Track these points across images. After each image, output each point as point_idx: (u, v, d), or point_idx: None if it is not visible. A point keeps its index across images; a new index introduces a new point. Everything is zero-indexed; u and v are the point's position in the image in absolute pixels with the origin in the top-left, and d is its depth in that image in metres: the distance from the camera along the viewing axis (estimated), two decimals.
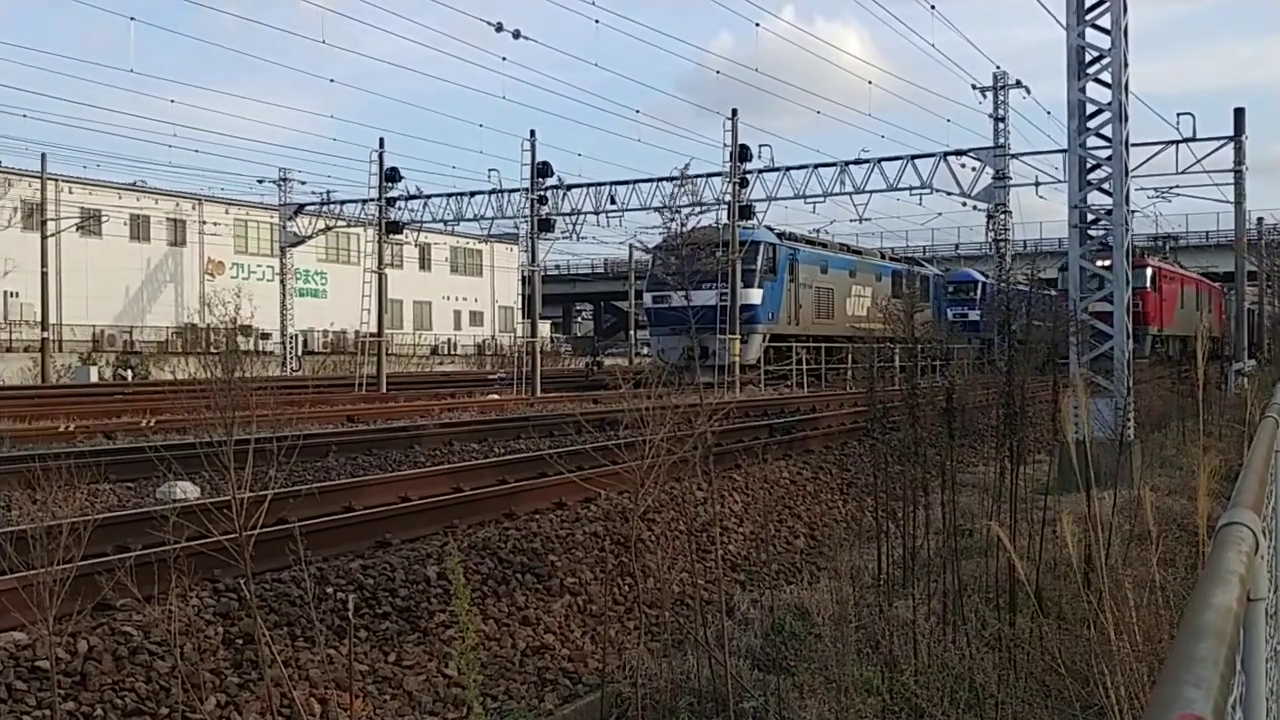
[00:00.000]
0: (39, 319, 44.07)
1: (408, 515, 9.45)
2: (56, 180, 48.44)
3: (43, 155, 44.34)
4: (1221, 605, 1.31)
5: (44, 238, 42.86)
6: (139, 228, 55.93)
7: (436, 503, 10.12)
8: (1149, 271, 40.66)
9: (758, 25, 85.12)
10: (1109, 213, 13.26)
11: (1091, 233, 13.54)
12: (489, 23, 26.36)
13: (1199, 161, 33.36)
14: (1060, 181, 33.15)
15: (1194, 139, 32.81)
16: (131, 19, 36.18)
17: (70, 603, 5.05)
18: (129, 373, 47.03)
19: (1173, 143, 32.80)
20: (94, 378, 43.81)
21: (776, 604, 7.99)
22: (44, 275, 43.23)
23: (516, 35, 26.76)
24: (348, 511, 9.59)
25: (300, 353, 54.58)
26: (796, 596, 8.33)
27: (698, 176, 36.09)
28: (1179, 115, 33.55)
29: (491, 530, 9.01)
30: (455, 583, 6.00)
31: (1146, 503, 7.19)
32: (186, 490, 11.34)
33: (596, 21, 38.14)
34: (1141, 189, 39.72)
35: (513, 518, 9.77)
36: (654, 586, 8.26)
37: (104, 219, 52.36)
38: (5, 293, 46.06)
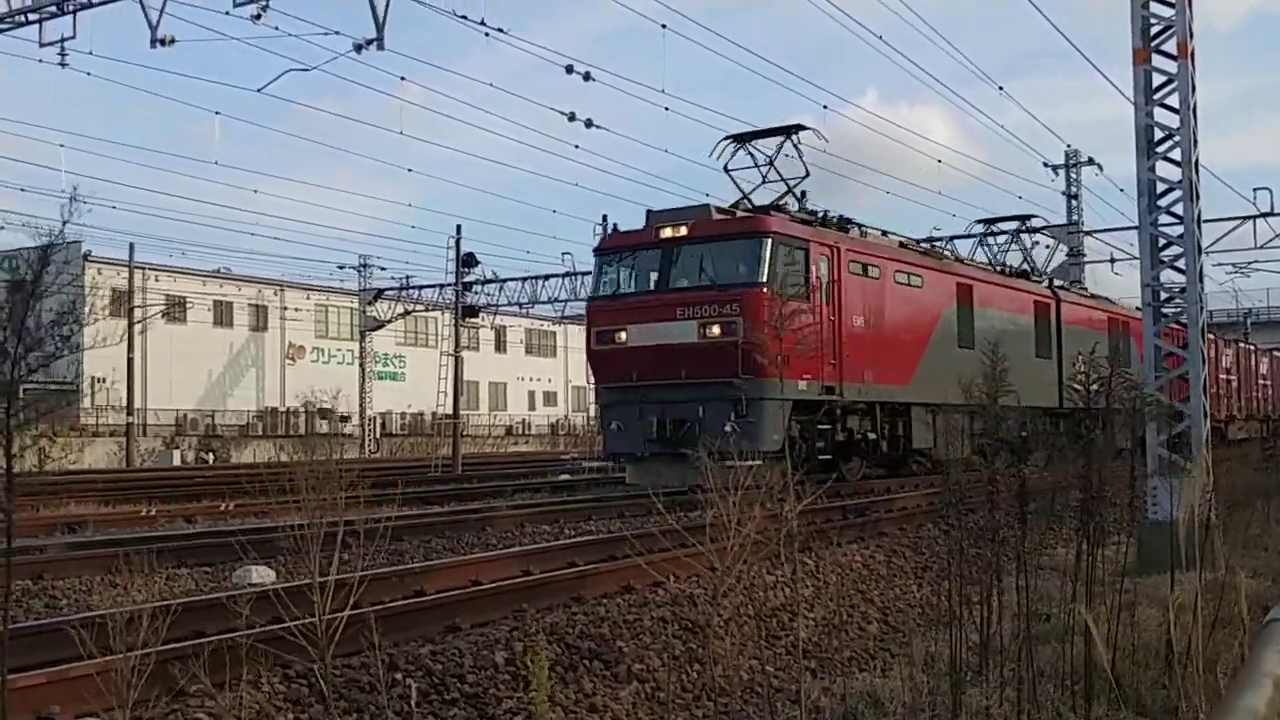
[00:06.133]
0: (124, 404, 45.22)
1: (478, 599, 9.49)
2: (143, 269, 49.89)
3: (130, 245, 45.88)
4: (1247, 708, 1.30)
5: (130, 324, 44.10)
6: (222, 314, 57.32)
7: (507, 586, 10.15)
8: (805, 252, 18.48)
9: (825, 108, 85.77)
10: (1183, 290, 13.09)
11: (1166, 310, 13.35)
12: (561, 112, 26.83)
13: (1278, 236, 32.86)
14: (1134, 258, 32.81)
15: (1271, 214, 32.36)
16: (217, 113, 37.51)
17: (146, 689, 5.15)
18: (210, 456, 47.91)
19: (1249, 218, 32.37)
20: (176, 461, 44.71)
21: (848, 692, 7.87)
22: (130, 361, 44.40)
23: (589, 124, 27.21)
24: (418, 595, 9.66)
25: (378, 435, 55.25)
26: (869, 684, 8.19)
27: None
28: (1255, 190, 33.10)
29: (560, 614, 9.02)
30: (538, 673, 6.02)
31: (1241, 589, 6.98)
32: (263, 575, 11.48)
33: (666, 109, 38.64)
34: (1219, 264, 39.15)
35: (581, 601, 9.77)
36: (722, 673, 8.19)
37: (189, 305, 53.85)
38: (93, 378, 47.32)
